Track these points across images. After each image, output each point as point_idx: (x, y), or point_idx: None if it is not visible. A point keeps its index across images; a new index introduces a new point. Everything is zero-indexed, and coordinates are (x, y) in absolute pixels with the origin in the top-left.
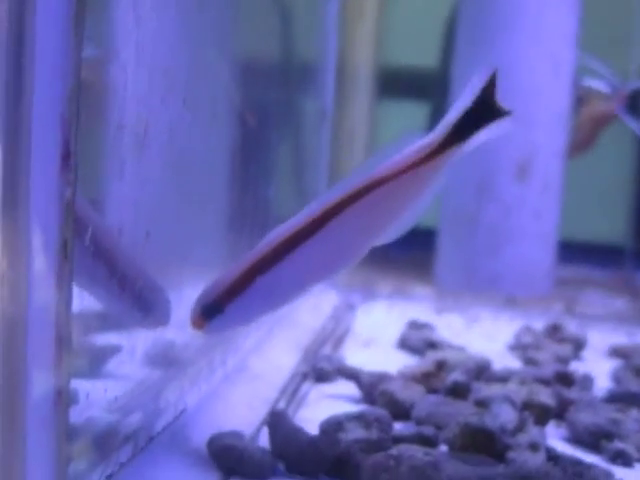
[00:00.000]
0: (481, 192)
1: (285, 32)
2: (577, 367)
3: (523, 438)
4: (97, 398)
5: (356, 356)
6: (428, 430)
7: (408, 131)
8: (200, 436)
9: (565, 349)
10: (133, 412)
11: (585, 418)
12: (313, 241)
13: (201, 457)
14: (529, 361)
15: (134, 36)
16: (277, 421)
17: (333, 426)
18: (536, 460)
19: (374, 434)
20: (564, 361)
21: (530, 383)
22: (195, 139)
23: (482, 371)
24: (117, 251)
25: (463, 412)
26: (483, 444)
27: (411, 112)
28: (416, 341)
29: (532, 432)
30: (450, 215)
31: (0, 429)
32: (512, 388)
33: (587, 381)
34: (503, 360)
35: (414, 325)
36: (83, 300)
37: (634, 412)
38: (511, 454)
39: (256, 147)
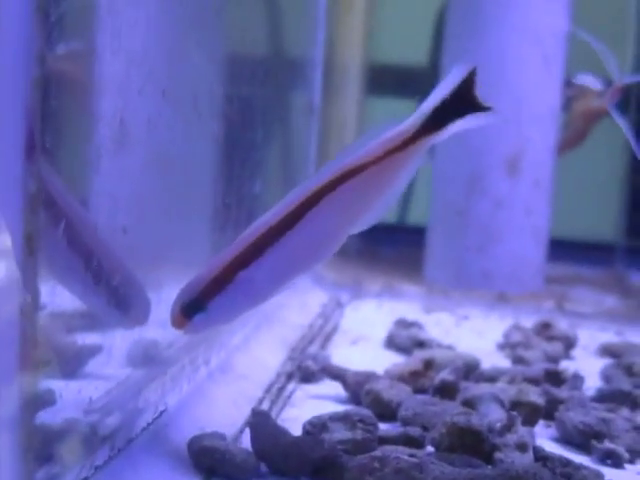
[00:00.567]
0: (471, 188)
1: (272, 25)
2: (567, 366)
3: (511, 438)
4: (74, 399)
5: (343, 355)
6: (414, 430)
7: (383, 121)
8: (181, 437)
9: (555, 347)
10: (111, 413)
11: (575, 417)
12: (293, 232)
13: (182, 458)
14: (518, 360)
15: (114, 28)
16: (259, 421)
17: (317, 427)
18: (524, 460)
19: (359, 435)
20: (554, 360)
21: (519, 382)
22: (178, 133)
23: (471, 370)
24: (97, 247)
25: (450, 412)
26: (470, 444)
27: (400, 109)
28: (404, 340)
29: (520, 432)
30: (440, 211)
31: None
32: (501, 387)
33: (577, 380)
34: (492, 359)
35: (402, 323)
36: (63, 299)
37: (625, 411)
38: (499, 454)
39: (242, 142)
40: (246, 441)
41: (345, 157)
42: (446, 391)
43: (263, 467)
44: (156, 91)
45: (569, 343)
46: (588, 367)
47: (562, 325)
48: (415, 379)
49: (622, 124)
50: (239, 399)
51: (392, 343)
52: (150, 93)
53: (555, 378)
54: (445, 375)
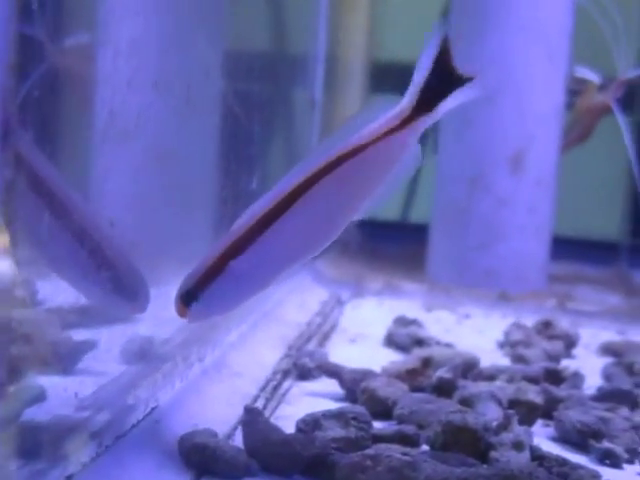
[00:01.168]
0: (474, 185)
1: (275, 21)
2: (568, 364)
3: (507, 437)
4: (65, 395)
5: (341, 353)
6: (409, 429)
7: (374, 102)
8: (173, 434)
9: (556, 346)
10: (102, 409)
11: (573, 416)
12: (284, 220)
13: (172, 456)
14: (518, 358)
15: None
16: (251, 419)
17: (310, 424)
18: (520, 460)
19: (352, 432)
20: (555, 358)
21: (518, 381)
22: (177, 129)
23: (470, 368)
24: (97, 234)
25: (446, 410)
26: (466, 443)
27: None
28: (403, 338)
29: (517, 431)
30: (442, 209)
31: None
32: (499, 386)
33: (577, 379)
34: (492, 357)
35: (401, 321)
36: (59, 295)
37: (624, 411)
38: (494, 453)
39: (243, 137)
40: (239, 439)
41: (338, 141)
42: (444, 389)
43: (254, 465)
44: (155, 86)
45: (570, 342)
46: (589, 366)
47: (563, 324)
48: (413, 377)
49: (621, 121)
50: (233, 396)
51: (391, 341)
52: (148, 88)
53: (555, 377)
54: (443, 373)
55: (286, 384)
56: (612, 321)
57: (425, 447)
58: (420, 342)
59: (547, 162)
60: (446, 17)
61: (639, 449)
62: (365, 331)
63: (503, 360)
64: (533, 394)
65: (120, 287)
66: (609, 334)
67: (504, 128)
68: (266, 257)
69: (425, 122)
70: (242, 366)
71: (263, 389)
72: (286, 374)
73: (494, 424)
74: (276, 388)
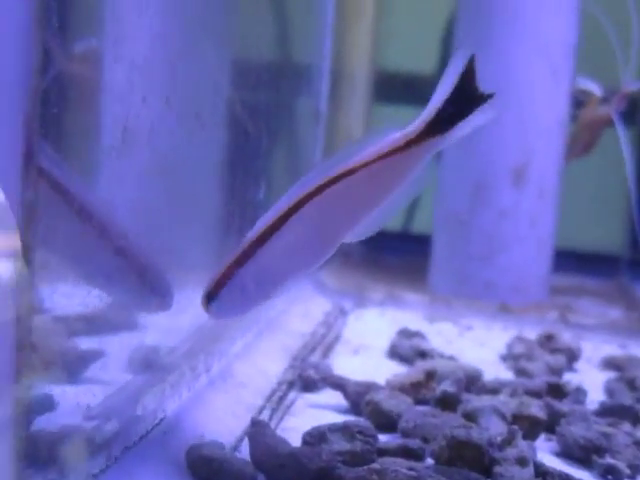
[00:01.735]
0: (476, 197)
1: (280, 32)
2: (570, 378)
3: (511, 452)
4: (74, 405)
5: (345, 364)
6: (414, 443)
7: (389, 124)
8: (179, 445)
9: (558, 360)
10: (109, 419)
11: (576, 432)
12: (283, 232)
13: (179, 468)
14: (521, 372)
15: (122, 33)
16: (258, 431)
17: (316, 437)
18: (524, 475)
19: (357, 446)
20: (557, 372)
21: (521, 395)
22: (181, 140)
23: (473, 381)
24: (120, 235)
25: (451, 424)
26: (470, 458)
27: (407, 117)
28: (406, 350)
29: (521, 446)
30: (444, 220)
31: None
32: (502, 400)
33: (580, 393)
34: (495, 370)
35: (405, 333)
36: (65, 303)
37: (626, 426)
38: (498, 468)
39: (247, 149)
40: (245, 450)
41: (343, 156)
42: (447, 403)
43: (261, 477)
44: (160, 98)
45: (572, 355)
46: (591, 380)
47: (565, 337)
48: (416, 390)
49: (622, 134)
50: (238, 407)
51: (395, 353)
52: (154, 100)
53: (557, 391)
54: (446, 387)
55: (291, 395)
56: (613, 334)
57: (429, 461)
58: (423, 354)
59: (549, 175)
60: (451, 32)
61: None
62: (368, 342)
63: (506, 373)
64: (536, 409)
65: (146, 284)
66: (611, 348)
67: (507, 140)
68: (268, 266)
69: (435, 144)
70: (247, 377)
71: (268, 400)
72: (291, 385)
73: (498, 439)
74: (281, 399)
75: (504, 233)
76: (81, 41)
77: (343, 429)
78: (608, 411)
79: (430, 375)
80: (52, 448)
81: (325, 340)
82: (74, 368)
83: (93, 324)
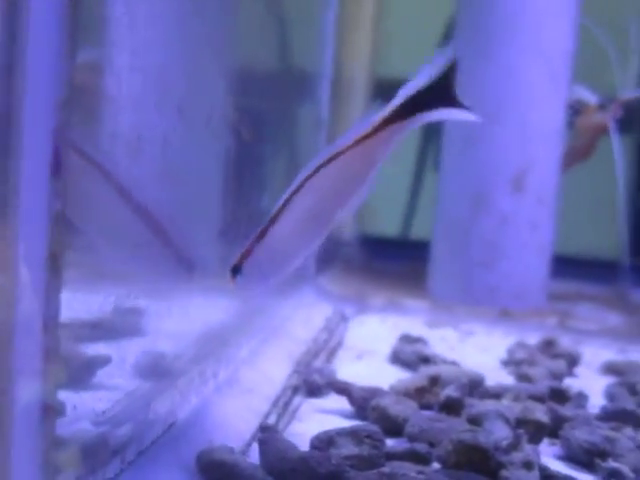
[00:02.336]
0: (476, 203)
1: (282, 40)
2: (571, 383)
3: (517, 456)
4: (85, 410)
5: (348, 369)
6: (421, 447)
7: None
8: (190, 450)
9: (559, 365)
10: (121, 424)
11: (580, 436)
12: (292, 207)
13: (190, 472)
14: (522, 377)
15: (129, 42)
16: (268, 436)
17: (324, 442)
18: (530, 479)
19: (366, 450)
20: (558, 377)
21: (524, 399)
22: (188, 148)
23: (475, 386)
24: (151, 210)
25: (456, 428)
26: (477, 462)
27: None
28: (409, 355)
29: (526, 450)
30: (444, 227)
31: None
32: (506, 404)
33: (582, 398)
34: (496, 375)
35: (407, 339)
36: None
37: (628, 430)
38: (505, 472)
39: (251, 156)
40: (253, 455)
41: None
42: (451, 407)
43: None
44: (171, 107)
45: (572, 360)
46: (592, 385)
47: (565, 342)
48: (421, 395)
49: (616, 142)
50: (246, 413)
51: (397, 358)
52: (166, 109)
53: (559, 396)
54: (450, 392)
55: (296, 400)
56: (612, 340)
57: (436, 465)
58: (426, 360)
59: (548, 182)
60: (450, 39)
61: None
62: (370, 348)
63: (508, 378)
64: (540, 413)
65: (176, 256)
66: (610, 353)
67: (506, 147)
68: (280, 242)
69: (398, 130)
70: (253, 382)
71: (274, 405)
72: (296, 390)
73: (504, 443)
74: (287, 404)
75: (504, 240)
76: (84, 50)
77: (351, 434)
78: (610, 415)
79: (434, 380)
80: (69, 452)
81: (328, 346)
82: (82, 374)
83: (99, 330)
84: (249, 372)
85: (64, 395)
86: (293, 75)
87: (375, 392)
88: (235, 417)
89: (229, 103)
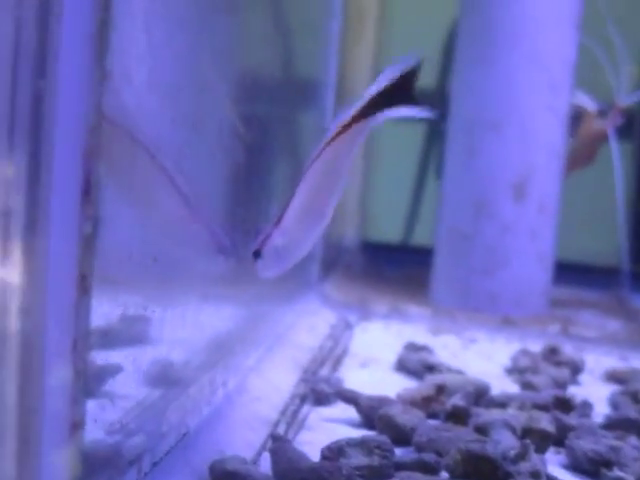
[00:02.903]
0: (478, 211)
1: (286, 50)
2: (575, 391)
3: (525, 466)
4: (95, 419)
5: (354, 377)
6: (429, 457)
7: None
8: (202, 460)
9: (562, 373)
10: (133, 435)
11: (585, 445)
12: (296, 195)
13: None
14: (527, 385)
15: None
16: (279, 446)
17: (334, 452)
18: None
19: (375, 461)
20: (561, 385)
21: (529, 408)
22: (196, 158)
23: (481, 395)
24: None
25: (464, 438)
26: (485, 472)
27: (408, 131)
28: (414, 363)
29: (534, 460)
30: (446, 234)
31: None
32: (511, 413)
33: (586, 407)
34: (501, 383)
35: (412, 347)
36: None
37: (632, 439)
38: None
39: (256, 166)
40: (264, 464)
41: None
42: (458, 416)
43: None
44: (181, 118)
45: (576, 368)
46: (595, 393)
47: (568, 349)
48: (427, 404)
49: (614, 148)
50: (255, 422)
51: (402, 366)
52: (176, 120)
53: (564, 405)
54: (457, 400)
55: (304, 409)
56: (614, 347)
57: (444, 474)
58: (431, 368)
59: (549, 189)
60: (452, 49)
61: None
62: (375, 355)
63: (512, 386)
64: (545, 422)
65: (216, 239)
66: (612, 360)
67: (508, 156)
68: (291, 227)
69: (364, 125)
70: (261, 391)
71: (283, 414)
72: (304, 399)
73: (512, 453)
74: (295, 413)
75: (506, 247)
76: None
77: (361, 444)
78: (614, 424)
79: (440, 389)
80: (87, 463)
81: (333, 353)
82: (93, 383)
83: (107, 338)
84: (257, 380)
85: None
86: (298, 85)
87: (382, 401)
88: (245, 426)
89: (234, 113)
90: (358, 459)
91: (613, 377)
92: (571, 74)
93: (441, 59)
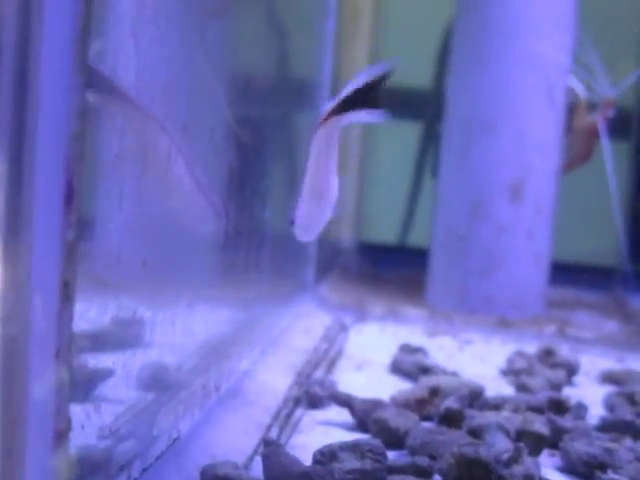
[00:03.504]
0: (474, 213)
1: (282, 52)
2: (570, 393)
3: (518, 469)
4: (87, 424)
5: (348, 380)
6: (422, 460)
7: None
8: (193, 464)
9: (558, 374)
10: (124, 440)
11: (579, 448)
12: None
13: None
14: (522, 387)
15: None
16: (271, 451)
17: (327, 456)
18: None
19: (368, 464)
20: (557, 387)
21: (524, 411)
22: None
23: (475, 397)
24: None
25: (457, 441)
26: (478, 475)
27: (404, 132)
28: (409, 365)
29: (527, 463)
30: (443, 235)
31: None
32: (505, 416)
33: (581, 409)
34: (496, 385)
35: (407, 349)
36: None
37: (627, 441)
38: None
39: (252, 167)
40: (256, 468)
41: None
42: (452, 419)
43: None
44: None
45: (571, 370)
46: (590, 394)
47: (564, 351)
48: (421, 406)
49: (605, 144)
50: (248, 426)
51: (397, 368)
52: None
53: (559, 407)
54: (450, 403)
55: (298, 412)
56: (611, 348)
57: (437, 478)
58: (426, 370)
59: (545, 190)
60: (447, 50)
61: None
62: (370, 357)
63: (507, 388)
64: (539, 425)
65: (210, 201)
66: (608, 361)
67: (504, 157)
68: (313, 193)
69: (335, 123)
70: (255, 394)
71: (276, 418)
72: (297, 402)
73: (505, 456)
74: (289, 417)
75: (502, 248)
76: None
77: (354, 447)
78: (609, 426)
79: (434, 392)
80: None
81: (328, 356)
82: (85, 387)
83: (99, 341)
84: (251, 383)
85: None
86: (293, 85)
87: (376, 404)
88: (238, 430)
89: (229, 115)
90: (351, 463)
91: (609, 378)
92: (566, 75)
93: (437, 59)
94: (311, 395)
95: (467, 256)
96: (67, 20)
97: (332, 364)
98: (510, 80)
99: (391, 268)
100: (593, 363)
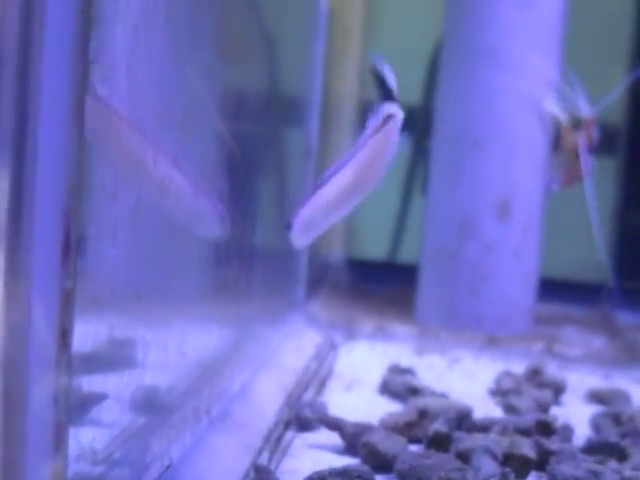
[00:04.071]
0: (463, 230)
1: (271, 68)
2: (557, 412)
3: None
4: (79, 448)
5: (338, 401)
6: None
7: None
8: None
9: (545, 394)
10: (117, 465)
11: (566, 470)
12: (327, 186)
13: None
14: (509, 408)
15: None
16: (262, 478)
17: None
18: None
19: None
20: (544, 407)
21: (511, 433)
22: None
23: (463, 418)
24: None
25: (445, 465)
26: None
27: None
28: (398, 386)
29: None
30: (431, 252)
31: None
32: (493, 438)
33: (567, 431)
34: (484, 405)
35: (396, 369)
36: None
37: (613, 463)
38: None
39: (242, 184)
40: None
41: None
42: (440, 442)
43: None
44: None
45: (558, 389)
46: (577, 414)
47: (551, 369)
48: (410, 429)
49: (584, 161)
50: (238, 449)
51: (386, 389)
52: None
53: (545, 428)
54: (438, 426)
55: (288, 435)
56: (598, 365)
57: None
58: (415, 391)
59: (533, 208)
60: (436, 67)
61: None
62: (360, 377)
63: (495, 409)
64: (527, 448)
65: (213, 208)
66: (595, 379)
67: (491, 175)
68: (322, 205)
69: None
70: (246, 417)
71: (267, 441)
72: (287, 425)
73: None
74: (279, 440)
75: (490, 266)
76: None
77: (343, 473)
78: (595, 448)
79: (423, 414)
80: None
81: (318, 375)
82: (78, 410)
83: (91, 362)
84: (241, 406)
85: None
86: (282, 102)
87: (366, 428)
88: (229, 455)
89: (219, 131)
90: None
91: (595, 397)
92: (554, 91)
93: (426, 76)
94: (301, 418)
95: (456, 273)
96: (65, 78)
97: (322, 384)
98: (497, 97)
99: (381, 284)
100: (581, 381)
